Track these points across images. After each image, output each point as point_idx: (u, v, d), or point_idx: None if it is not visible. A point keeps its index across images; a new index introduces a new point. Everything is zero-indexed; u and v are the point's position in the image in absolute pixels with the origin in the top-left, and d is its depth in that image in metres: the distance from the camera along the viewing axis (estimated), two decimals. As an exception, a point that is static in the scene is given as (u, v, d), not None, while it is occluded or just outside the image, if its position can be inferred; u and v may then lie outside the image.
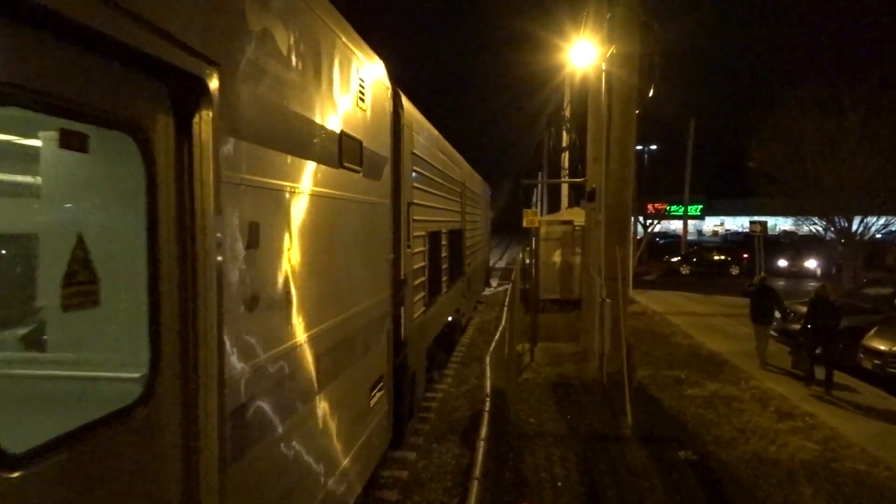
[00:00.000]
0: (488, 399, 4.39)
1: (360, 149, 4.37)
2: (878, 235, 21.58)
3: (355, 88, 4.30)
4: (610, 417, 8.13)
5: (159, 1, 2.00)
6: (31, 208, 2.46)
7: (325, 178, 3.62)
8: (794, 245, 31.61)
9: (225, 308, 2.39)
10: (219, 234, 2.36)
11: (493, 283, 24.28)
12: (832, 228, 20.27)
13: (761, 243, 15.10)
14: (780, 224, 44.91)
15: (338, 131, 3.88)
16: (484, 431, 3.66)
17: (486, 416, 3.96)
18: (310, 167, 3.37)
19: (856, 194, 18.42)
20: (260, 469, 2.76)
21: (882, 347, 10.20)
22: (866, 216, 19.58)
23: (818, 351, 9.77)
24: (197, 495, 2.27)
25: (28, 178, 2.53)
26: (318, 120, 3.52)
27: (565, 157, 19.62)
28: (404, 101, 6.18)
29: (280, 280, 2.99)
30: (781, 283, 22.74)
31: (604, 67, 9.30)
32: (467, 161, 13.41)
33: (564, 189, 25.18)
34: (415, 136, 6.74)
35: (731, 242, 40.05)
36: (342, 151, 3.93)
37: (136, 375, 2.11)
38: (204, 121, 2.28)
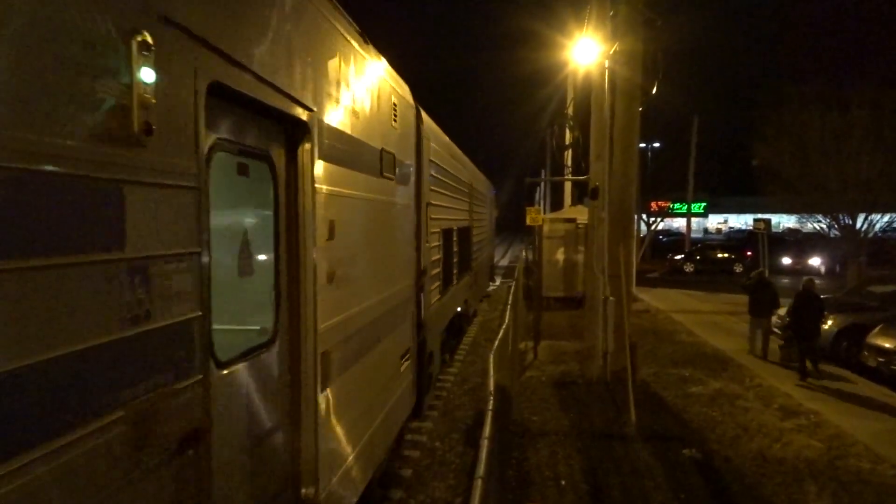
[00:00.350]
0: (492, 398, 4.38)
1: (394, 160, 5.33)
2: (878, 234, 21.42)
3: (391, 111, 5.32)
4: (613, 415, 8.12)
5: (285, 72, 2.99)
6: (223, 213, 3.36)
7: (372, 186, 4.65)
8: (799, 242, 31.48)
9: (317, 281, 3.39)
10: (313, 229, 3.35)
11: (497, 280, 24.29)
12: (836, 226, 20.19)
13: (765, 241, 15.05)
14: (784, 221, 44.81)
15: (379, 148, 4.85)
16: (487, 430, 3.64)
17: (489, 415, 3.95)
18: (363, 178, 4.39)
19: (860, 191, 18.35)
20: (337, 397, 3.81)
21: (886, 345, 10.16)
22: (871, 213, 19.50)
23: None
24: (299, 411, 3.32)
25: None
26: (368, 141, 4.53)
27: (568, 154, 19.57)
28: (423, 115, 7.19)
29: (347, 263, 4.02)
30: (785, 280, 22.66)
31: (607, 65, 9.26)
32: (470, 159, 13.63)
33: (567, 187, 25.15)
34: (431, 144, 7.65)
35: (734, 240, 39.93)
36: (382, 164, 4.93)
37: (257, 327, 3.19)
38: (305, 150, 3.29)
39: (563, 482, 6.17)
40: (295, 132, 3.25)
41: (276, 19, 2.97)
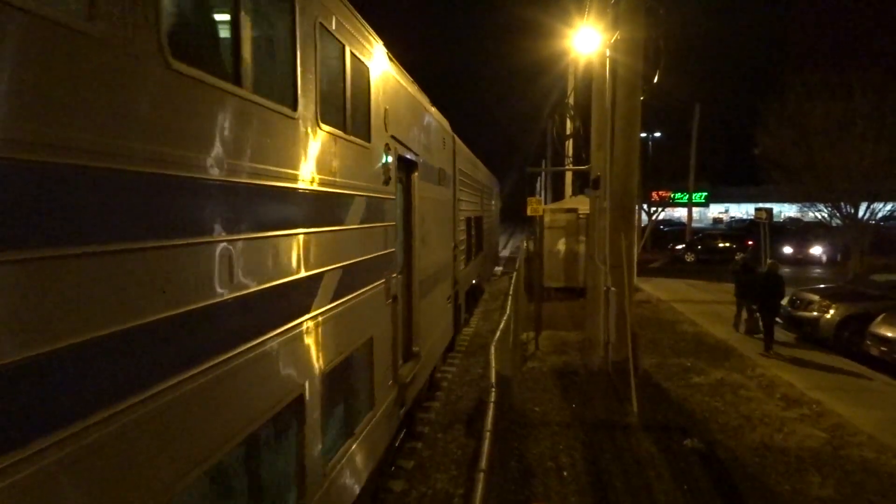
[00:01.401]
0: (493, 389, 4.35)
1: (444, 173, 8.67)
2: (881, 223, 21.28)
3: (441, 141, 8.60)
4: (615, 406, 8.10)
5: (412, 139, 6.35)
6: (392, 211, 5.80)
7: (435, 191, 7.89)
8: (800, 232, 31.33)
9: (417, 245, 6.56)
10: (417, 216, 6.52)
11: (498, 269, 24.30)
12: (838, 214, 20.08)
13: (766, 230, 14.99)
14: (786, 211, 44.64)
15: (438, 167, 8.12)
16: (489, 422, 3.62)
17: (491, 407, 3.92)
18: (431, 186, 7.56)
19: (863, 180, 18.24)
20: (425, 308, 7.10)
21: (889, 334, 10.13)
22: (873, 202, 19.39)
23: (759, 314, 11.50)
24: (411, 308, 6.48)
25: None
26: (434, 164, 7.75)
27: (569, 144, 19.48)
28: (456, 138, 10.48)
29: (427, 235, 7.15)
30: (787, 270, 22.57)
31: (608, 54, 9.16)
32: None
33: (568, 177, 25.04)
34: (458, 156, 10.83)
35: (735, 229, 39.76)
36: (439, 176, 8.15)
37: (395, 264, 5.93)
38: (415, 176, 6.53)
39: (566, 473, 6.16)
40: (411, 167, 6.41)
41: (411, 115, 6.24)
